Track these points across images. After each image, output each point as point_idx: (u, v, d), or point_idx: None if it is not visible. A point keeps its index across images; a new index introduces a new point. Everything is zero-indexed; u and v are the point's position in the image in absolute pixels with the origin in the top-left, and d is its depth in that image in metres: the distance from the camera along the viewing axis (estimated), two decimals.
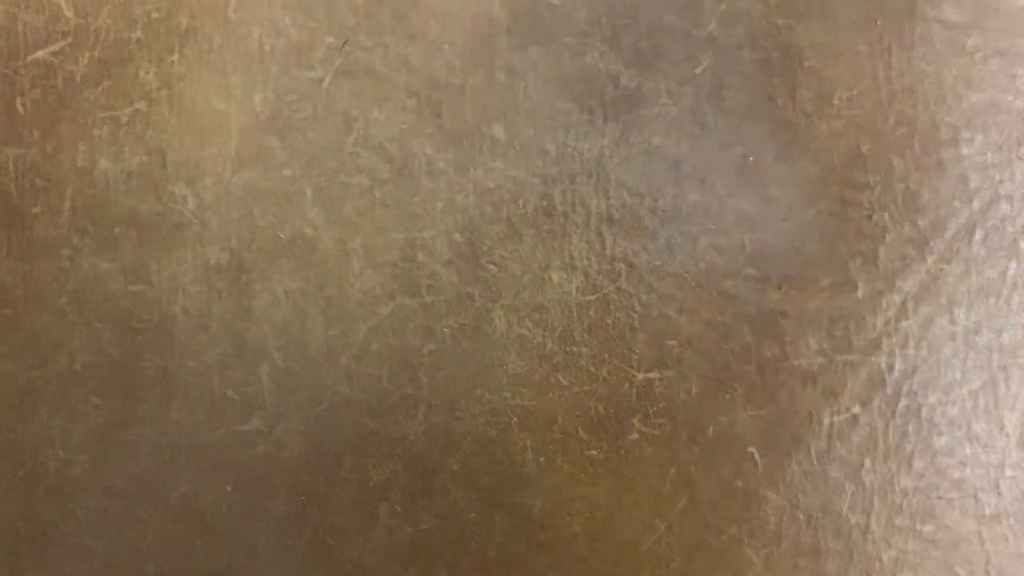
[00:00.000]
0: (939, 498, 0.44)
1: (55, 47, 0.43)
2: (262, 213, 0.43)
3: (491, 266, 0.43)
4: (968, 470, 0.44)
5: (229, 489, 0.45)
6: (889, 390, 0.44)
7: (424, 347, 0.44)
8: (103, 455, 0.45)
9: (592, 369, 0.44)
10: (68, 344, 0.44)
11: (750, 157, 0.42)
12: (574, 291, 0.43)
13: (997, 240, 0.42)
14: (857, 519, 0.44)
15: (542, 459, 0.44)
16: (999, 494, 0.44)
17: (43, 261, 0.44)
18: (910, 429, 0.44)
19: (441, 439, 0.44)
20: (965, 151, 0.42)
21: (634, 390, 0.44)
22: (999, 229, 0.42)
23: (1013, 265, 0.42)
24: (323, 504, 0.45)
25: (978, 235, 0.42)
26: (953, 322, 0.43)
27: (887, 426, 0.44)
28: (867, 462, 0.44)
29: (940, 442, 0.44)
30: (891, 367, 0.43)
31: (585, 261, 0.43)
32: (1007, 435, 0.43)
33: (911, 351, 0.43)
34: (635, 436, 0.44)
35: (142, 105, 0.43)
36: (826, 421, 0.44)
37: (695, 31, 0.42)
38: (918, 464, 0.44)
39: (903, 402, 0.44)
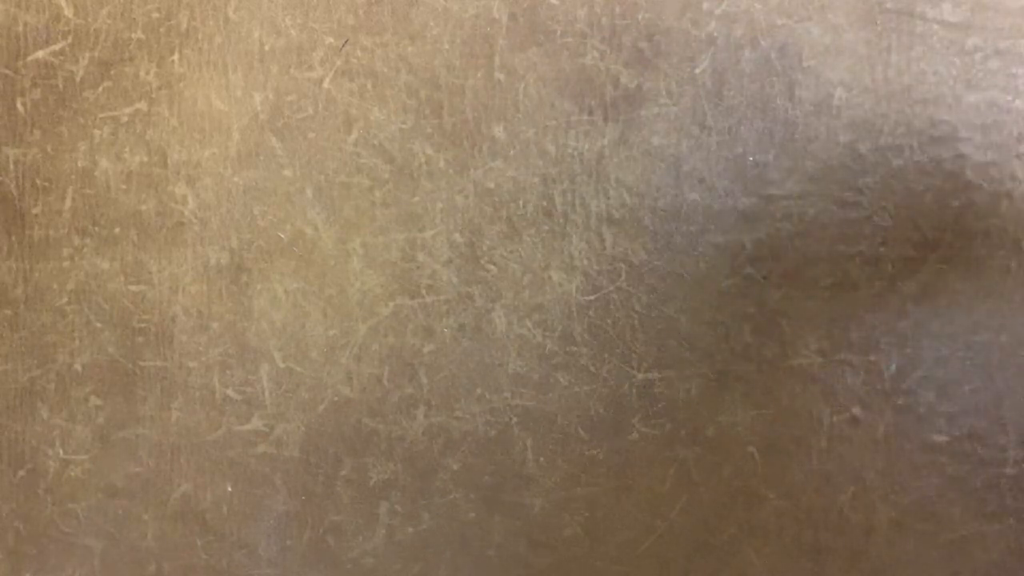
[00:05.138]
0: (939, 497, 0.44)
1: (55, 47, 0.43)
2: (262, 213, 0.43)
3: (491, 266, 0.43)
4: (968, 469, 0.44)
5: (229, 489, 0.45)
6: (889, 389, 0.44)
7: (424, 347, 0.44)
8: (103, 455, 0.45)
9: (592, 369, 0.44)
10: (68, 344, 0.44)
11: (750, 157, 0.42)
12: (574, 291, 0.43)
13: (997, 240, 0.42)
14: (858, 519, 0.44)
15: (542, 459, 0.44)
16: (999, 493, 0.44)
17: (43, 261, 0.44)
18: (910, 428, 0.44)
19: (441, 439, 0.44)
20: (965, 151, 0.42)
21: (634, 390, 0.44)
22: (998, 229, 0.42)
23: (1013, 265, 0.43)
24: (323, 504, 0.45)
25: (978, 235, 0.43)
26: (952, 321, 0.43)
27: (887, 425, 0.44)
28: (867, 461, 0.44)
29: (940, 440, 0.44)
30: (891, 366, 0.43)
31: (585, 261, 0.43)
32: (1007, 434, 0.43)
33: (910, 350, 0.43)
34: (635, 436, 0.44)
35: (142, 105, 0.43)
36: (826, 421, 0.44)
37: (695, 31, 0.42)
38: (918, 463, 0.44)
39: (902, 401, 0.44)
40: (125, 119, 0.43)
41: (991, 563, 0.44)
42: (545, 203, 0.43)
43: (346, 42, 0.43)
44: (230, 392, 0.44)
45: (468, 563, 0.45)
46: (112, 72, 0.43)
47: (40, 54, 0.43)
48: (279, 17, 0.43)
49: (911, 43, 0.42)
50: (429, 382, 0.44)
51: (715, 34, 0.42)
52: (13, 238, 0.44)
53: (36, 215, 0.44)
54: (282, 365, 0.44)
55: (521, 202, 0.43)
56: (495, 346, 0.44)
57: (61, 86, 0.43)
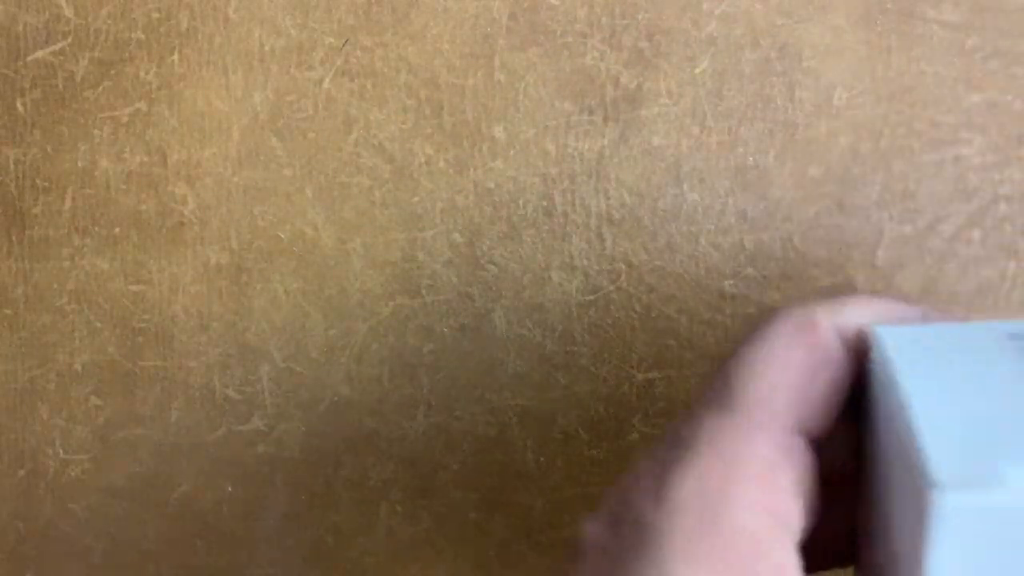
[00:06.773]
0: None
1: (55, 47, 0.43)
2: (262, 213, 0.43)
3: (491, 266, 0.43)
4: None
5: (229, 489, 0.45)
6: None
7: (424, 347, 0.44)
8: (103, 455, 0.45)
9: (592, 369, 0.44)
10: (68, 344, 0.44)
11: (750, 157, 0.42)
12: (574, 291, 0.43)
13: (996, 240, 0.42)
14: None
15: (542, 459, 0.44)
16: None
17: (43, 261, 0.44)
18: None
19: (441, 439, 0.44)
20: (964, 151, 0.42)
21: (634, 390, 0.44)
22: (998, 229, 0.42)
23: (1012, 265, 0.43)
24: (323, 504, 0.45)
25: (977, 235, 0.42)
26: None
27: None
28: None
29: None
30: None
31: (585, 261, 0.43)
32: None
33: None
34: (635, 436, 0.44)
35: (142, 105, 0.43)
36: None
37: (695, 31, 0.42)
38: None
39: None
40: (125, 119, 0.43)
41: None
42: (545, 203, 0.43)
43: (346, 42, 0.43)
44: (230, 392, 0.44)
45: (468, 563, 0.45)
46: (112, 72, 0.43)
47: (40, 54, 0.43)
48: (279, 17, 0.43)
49: (911, 43, 0.42)
50: (429, 382, 0.44)
51: (715, 34, 0.42)
52: (13, 238, 0.44)
53: (36, 215, 0.44)
54: (282, 365, 0.44)
55: (521, 202, 0.43)
56: (495, 346, 0.44)
57: (61, 86, 0.43)
